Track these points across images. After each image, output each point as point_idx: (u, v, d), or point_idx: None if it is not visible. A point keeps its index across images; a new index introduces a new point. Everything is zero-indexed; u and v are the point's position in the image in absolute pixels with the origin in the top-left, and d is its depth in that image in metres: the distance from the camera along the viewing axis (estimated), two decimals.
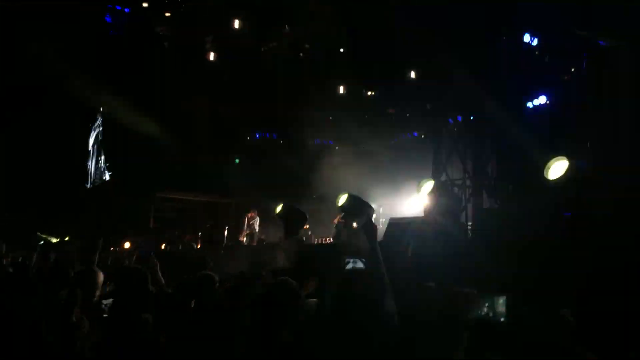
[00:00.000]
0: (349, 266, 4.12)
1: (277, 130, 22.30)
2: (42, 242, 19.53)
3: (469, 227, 8.73)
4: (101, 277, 4.68)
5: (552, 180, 6.30)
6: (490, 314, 2.39)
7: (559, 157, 6.40)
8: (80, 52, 19.97)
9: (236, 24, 18.45)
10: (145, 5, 18.81)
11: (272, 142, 22.18)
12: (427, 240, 7.31)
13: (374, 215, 12.44)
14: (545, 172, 6.41)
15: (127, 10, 18.97)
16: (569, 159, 6.37)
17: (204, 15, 19.41)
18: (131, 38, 19.08)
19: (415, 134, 19.68)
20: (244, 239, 16.46)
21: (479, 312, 2.25)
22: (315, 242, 14.82)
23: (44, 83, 19.63)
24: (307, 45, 18.63)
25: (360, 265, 4.13)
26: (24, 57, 18.17)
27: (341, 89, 19.95)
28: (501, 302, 2.43)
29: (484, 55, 11.18)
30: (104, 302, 4.65)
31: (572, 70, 12.74)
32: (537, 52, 11.92)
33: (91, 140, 22.33)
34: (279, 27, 18.38)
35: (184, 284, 4.50)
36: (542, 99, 12.28)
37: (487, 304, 2.39)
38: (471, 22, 10.62)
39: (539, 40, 11.51)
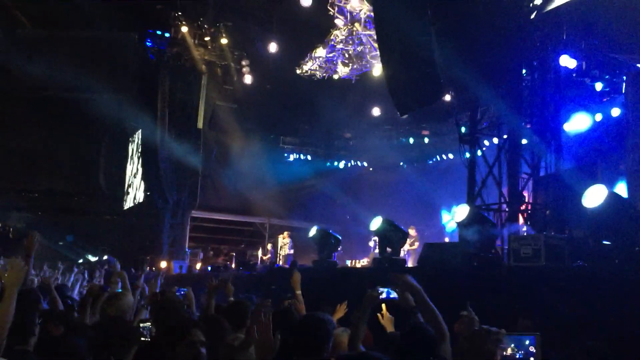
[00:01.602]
0: (383, 296, 4.11)
1: (311, 151, 22.45)
2: (82, 261, 20.03)
3: (505, 252, 8.60)
4: (128, 299, 4.72)
5: (590, 208, 6.19)
6: (518, 355, 2.35)
7: (597, 185, 6.30)
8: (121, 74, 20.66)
9: (272, 47, 18.81)
10: (184, 30, 19.33)
11: (307, 163, 22.33)
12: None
13: (408, 240, 12.33)
14: (583, 200, 6.30)
15: (167, 34, 19.52)
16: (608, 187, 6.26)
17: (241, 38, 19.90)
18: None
19: (451, 156, 19.51)
20: (280, 261, 16.54)
21: (504, 353, 2.21)
22: (350, 265, 14.78)
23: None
24: (342, 66, 18.77)
25: (394, 295, 4.12)
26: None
27: (376, 111, 20.04)
28: (528, 342, 2.40)
29: (521, 78, 11.11)
30: (142, 325, 4.70)
31: (611, 92, 12.54)
32: (574, 75, 11.79)
33: (131, 162, 22.84)
34: (313, 49, 18.60)
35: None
36: (580, 123, 12.11)
37: (512, 345, 2.35)
38: (508, 45, 10.59)
39: (577, 63, 11.39)
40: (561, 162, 10.30)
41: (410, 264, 12.04)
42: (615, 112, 11.82)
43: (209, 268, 17.16)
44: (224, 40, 19.75)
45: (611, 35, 10.24)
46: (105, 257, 19.76)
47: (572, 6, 9.69)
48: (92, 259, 21.22)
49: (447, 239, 16.00)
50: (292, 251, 16.62)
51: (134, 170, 22.52)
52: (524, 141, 10.86)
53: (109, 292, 5.49)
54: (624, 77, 11.24)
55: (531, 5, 10.09)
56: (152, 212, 20.29)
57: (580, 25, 10.47)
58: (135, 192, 22.15)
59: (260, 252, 18.44)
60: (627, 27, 9.63)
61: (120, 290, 5.62)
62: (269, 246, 18.51)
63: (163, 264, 17.93)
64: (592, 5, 9.68)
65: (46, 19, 20.60)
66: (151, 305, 4.94)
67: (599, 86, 12.07)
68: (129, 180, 22.84)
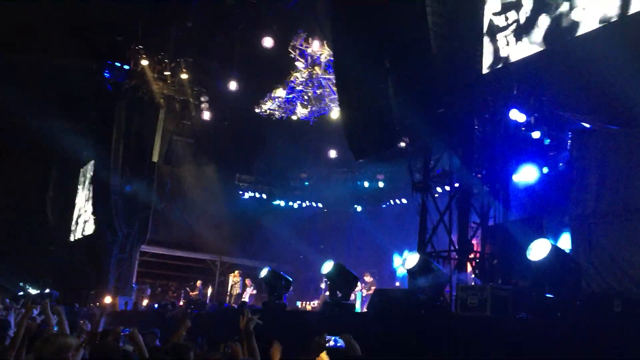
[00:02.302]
0: (331, 343, 4.11)
1: (266, 190, 22.39)
2: (22, 293, 19.26)
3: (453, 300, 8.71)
4: (66, 340, 4.52)
5: (534, 261, 6.38)
6: None
7: (541, 239, 6.51)
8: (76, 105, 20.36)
9: (232, 85, 18.90)
10: (144, 63, 19.27)
11: (261, 201, 22.23)
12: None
13: (363, 286, 12.39)
14: (528, 253, 6.50)
15: (126, 67, 19.43)
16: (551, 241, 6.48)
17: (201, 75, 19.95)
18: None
19: (404, 201, 19.74)
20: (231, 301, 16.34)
21: None
22: (300, 307, 14.68)
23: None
24: (301, 108, 18.96)
25: (341, 344, 4.12)
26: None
27: (332, 153, 20.21)
28: None
29: (473, 130, 11.44)
30: None
31: (557, 147, 13.02)
32: (523, 129, 12.20)
33: (82, 192, 22.30)
34: (272, 89, 18.77)
35: None
36: (528, 175, 12.46)
37: None
38: (462, 98, 10.93)
39: (526, 118, 11.80)
40: (509, 212, 10.56)
41: (365, 310, 12.03)
42: (562, 166, 12.24)
43: (156, 305, 16.77)
44: (184, 76, 19.76)
45: (558, 94, 10.70)
46: (47, 291, 19.04)
47: (521, 66, 10.12)
48: (33, 291, 20.41)
49: (398, 283, 16.08)
50: (254, 292, 16.51)
51: (84, 201, 21.98)
52: (474, 189, 11.12)
53: (46, 331, 5.28)
54: (570, 134, 11.73)
55: (485, 61, 10.50)
56: (100, 245, 19.74)
57: (530, 83, 10.90)
58: (84, 224, 21.58)
59: (209, 291, 18.17)
60: (572, 87, 10.09)
61: (56, 328, 5.41)
62: (199, 283, 18.38)
63: (108, 300, 17.41)
64: (541, 66, 10.12)
65: (4, 42, 20.25)
66: (89, 348, 4.75)
67: (546, 140, 12.51)
68: (78, 211, 22.26)
